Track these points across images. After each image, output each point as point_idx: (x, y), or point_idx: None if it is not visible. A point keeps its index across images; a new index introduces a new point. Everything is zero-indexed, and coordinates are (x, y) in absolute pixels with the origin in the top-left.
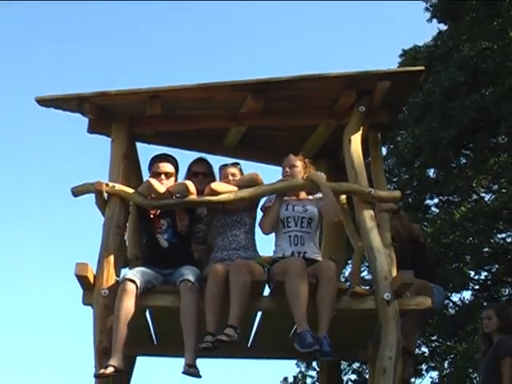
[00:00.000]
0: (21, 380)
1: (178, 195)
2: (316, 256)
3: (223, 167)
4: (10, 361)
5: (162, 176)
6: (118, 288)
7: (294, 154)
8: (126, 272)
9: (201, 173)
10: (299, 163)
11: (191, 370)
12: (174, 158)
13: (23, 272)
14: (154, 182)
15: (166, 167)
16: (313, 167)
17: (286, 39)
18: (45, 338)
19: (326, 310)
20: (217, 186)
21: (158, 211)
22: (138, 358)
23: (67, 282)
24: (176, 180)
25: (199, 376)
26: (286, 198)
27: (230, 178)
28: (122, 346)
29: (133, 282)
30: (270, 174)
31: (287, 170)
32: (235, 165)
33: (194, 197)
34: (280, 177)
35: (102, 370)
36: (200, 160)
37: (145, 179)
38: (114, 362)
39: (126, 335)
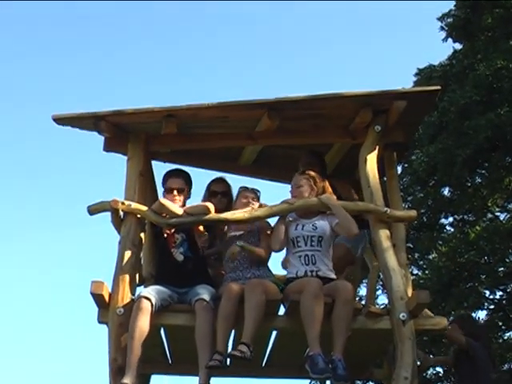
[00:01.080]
0: None
1: None
2: (329, 274)
3: (244, 189)
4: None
5: (175, 192)
6: (133, 306)
7: (300, 172)
8: (142, 290)
9: (220, 192)
10: (305, 181)
11: None
12: (186, 173)
13: (38, 288)
14: (168, 203)
15: (178, 183)
16: (323, 181)
17: (302, 58)
18: (61, 353)
19: (341, 331)
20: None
21: None
22: (153, 377)
23: (82, 300)
24: (188, 194)
25: None
26: (294, 216)
27: (250, 201)
28: (137, 364)
29: (148, 299)
30: (285, 192)
31: (293, 190)
32: (256, 191)
33: (210, 215)
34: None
35: None
36: (219, 179)
37: (160, 197)
38: (128, 380)
39: (141, 353)
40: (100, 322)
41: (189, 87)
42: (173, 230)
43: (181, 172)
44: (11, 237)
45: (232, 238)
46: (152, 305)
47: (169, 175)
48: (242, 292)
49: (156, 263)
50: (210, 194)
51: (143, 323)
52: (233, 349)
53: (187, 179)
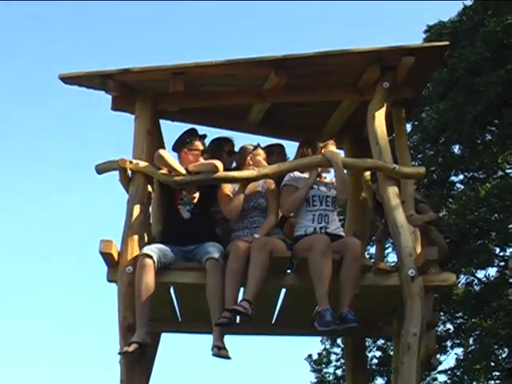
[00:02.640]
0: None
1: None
2: (339, 231)
3: (257, 147)
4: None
5: (202, 154)
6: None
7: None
8: (143, 248)
9: (226, 151)
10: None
11: (221, 352)
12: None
13: (47, 250)
14: (168, 157)
15: (202, 146)
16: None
17: (310, 15)
18: (70, 316)
19: (349, 287)
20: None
21: None
22: (163, 335)
23: (91, 260)
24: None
25: (229, 358)
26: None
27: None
28: (147, 321)
29: (149, 256)
30: (293, 150)
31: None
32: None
33: (218, 173)
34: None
35: (125, 348)
36: (225, 139)
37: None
38: (138, 338)
39: (150, 311)
40: (109, 280)
41: (197, 45)
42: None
43: (202, 135)
44: (16, 198)
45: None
46: (154, 261)
47: (197, 136)
48: (249, 250)
49: (162, 223)
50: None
51: (148, 280)
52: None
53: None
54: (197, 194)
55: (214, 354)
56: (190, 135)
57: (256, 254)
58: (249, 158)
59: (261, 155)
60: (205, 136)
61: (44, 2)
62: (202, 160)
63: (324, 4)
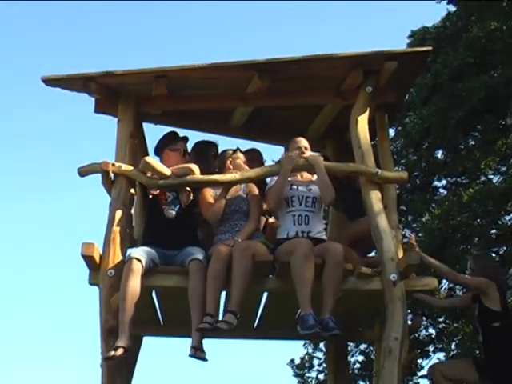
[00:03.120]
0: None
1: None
2: (321, 235)
3: (237, 151)
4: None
5: (181, 153)
6: (123, 267)
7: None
8: (131, 251)
9: (212, 155)
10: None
11: (198, 354)
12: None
13: (28, 251)
14: (154, 162)
15: (185, 147)
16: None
17: (293, 19)
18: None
19: (331, 292)
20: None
21: None
22: (145, 339)
23: (73, 263)
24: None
25: (205, 359)
26: (289, 178)
27: (242, 164)
28: (129, 326)
29: (139, 261)
30: (275, 154)
31: (304, 150)
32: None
33: (200, 176)
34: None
35: (112, 353)
36: (211, 143)
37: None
38: (123, 342)
39: (133, 315)
40: (91, 283)
41: (180, 48)
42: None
43: (184, 137)
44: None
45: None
46: (142, 266)
47: (179, 137)
48: (231, 254)
49: (145, 223)
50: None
51: (134, 284)
52: (224, 311)
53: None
54: (191, 197)
55: (190, 355)
56: (172, 137)
57: (238, 259)
58: (228, 161)
59: (240, 158)
60: (186, 138)
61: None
62: (183, 160)
63: (307, 8)
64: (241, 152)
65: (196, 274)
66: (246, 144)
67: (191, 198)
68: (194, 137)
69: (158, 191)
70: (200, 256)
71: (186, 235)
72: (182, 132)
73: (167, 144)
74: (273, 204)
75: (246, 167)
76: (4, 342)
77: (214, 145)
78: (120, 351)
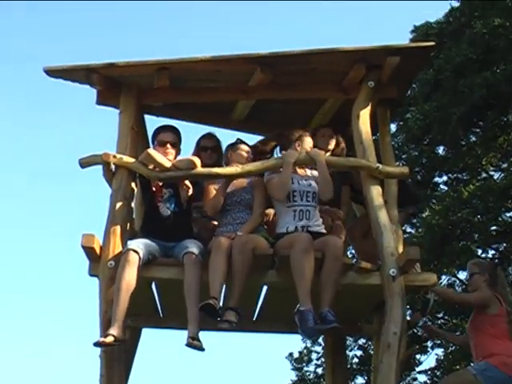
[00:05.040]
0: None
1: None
2: (320, 229)
3: (241, 143)
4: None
5: (168, 145)
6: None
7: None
8: (129, 242)
9: (210, 147)
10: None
11: (194, 343)
12: (178, 130)
13: (30, 244)
14: (155, 154)
15: (171, 137)
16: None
17: (298, 14)
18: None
19: (330, 286)
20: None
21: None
22: (144, 330)
23: (74, 254)
24: (179, 151)
25: (202, 349)
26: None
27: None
28: (123, 317)
29: (136, 252)
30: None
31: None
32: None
33: (201, 169)
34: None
35: (101, 339)
36: (209, 135)
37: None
38: (114, 331)
39: (128, 306)
40: (91, 274)
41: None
42: (160, 184)
43: (173, 127)
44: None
45: (228, 195)
46: (140, 258)
47: (162, 129)
48: (231, 246)
49: (143, 216)
50: (199, 150)
51: (130, 276)
52: (223, 308)
53: (179, 135)
54: (191, 191)
55: (187, 344)
56: (156, 130)
57: (237, 254)
58: (229, 154)
59: (242, 150)
60: (174, 128)
61: None
62: (170, 151)
63: (311, 3)
64: (245, 144)
65: (190, 267)
66: (248, 137)
67: (190, 192)
68: (196, 129)
69: (157, 185)
70: (195, 249)
71: (181, 231)
72: (183, 125)
73: (154, 139)
74: (283, 197)
75: (248, 158)
76: (4, 335)
77: (213, 136)
78: (109, 339)
